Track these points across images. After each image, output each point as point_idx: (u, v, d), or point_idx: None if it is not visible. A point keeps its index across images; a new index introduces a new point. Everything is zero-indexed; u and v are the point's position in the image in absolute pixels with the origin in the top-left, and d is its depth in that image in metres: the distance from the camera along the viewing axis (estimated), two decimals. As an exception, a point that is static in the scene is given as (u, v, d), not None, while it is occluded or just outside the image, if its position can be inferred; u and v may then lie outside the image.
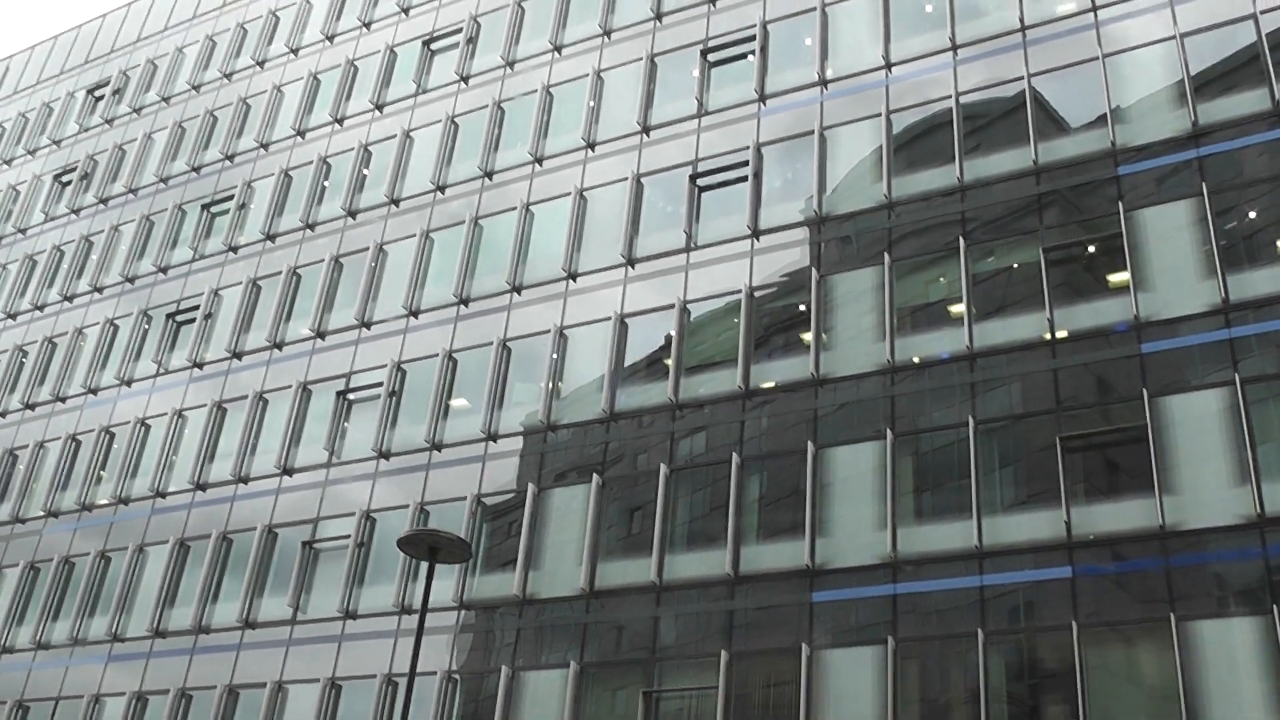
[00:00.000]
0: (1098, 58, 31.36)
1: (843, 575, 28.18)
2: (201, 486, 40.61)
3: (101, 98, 59.09)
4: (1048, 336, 28.40)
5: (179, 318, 46.19)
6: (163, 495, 41.49)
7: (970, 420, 28.10)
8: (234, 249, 46.20)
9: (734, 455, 30.64)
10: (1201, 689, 23.62)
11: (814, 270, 32.16)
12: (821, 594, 28.21)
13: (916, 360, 29.76)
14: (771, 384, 31.44)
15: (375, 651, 33.52)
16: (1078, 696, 24.42)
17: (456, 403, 36.53)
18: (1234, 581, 24.37)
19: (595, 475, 32.48)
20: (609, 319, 34.98)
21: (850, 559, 28.25)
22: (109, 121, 56.99)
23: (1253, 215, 27.60)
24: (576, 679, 30.06)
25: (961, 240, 30.44)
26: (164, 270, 48.08)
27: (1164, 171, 29.10)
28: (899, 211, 32.03)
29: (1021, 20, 32.99)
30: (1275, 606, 23.60)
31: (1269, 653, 23.39)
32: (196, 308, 45.78)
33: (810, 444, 29.79)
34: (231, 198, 48.17)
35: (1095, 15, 32.04)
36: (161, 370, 45.02)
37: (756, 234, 33.94)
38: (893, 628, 26.98)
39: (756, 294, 33.00)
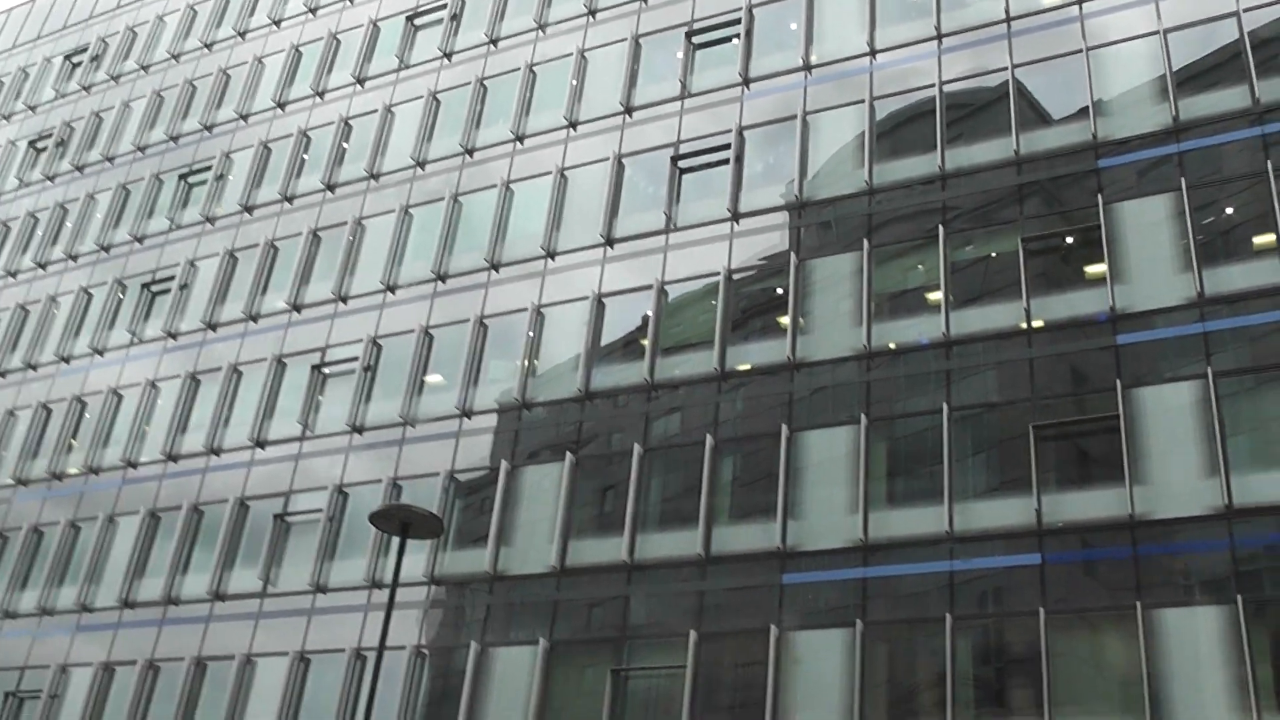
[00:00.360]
0: (1081, 50, 31.65)
1: (813, 558, 28.45)
2: (173, 457, 40.65)
3: (79, 64, 58.90)
4: (1024, 326, 28.72)
5: (154, 288, 46.15)
6: (134, 465, 41.51)
7: (945, 407, 28.38)
8: (211, 220, 46.17)
9: (708, 437, 30.87)
10: (1165, 676, 23.99)
11: (793, 254, 32.38)
12: (792, 576, 28.48)
13: (893, 346, 30.03)
14: (747, 366, 31.66)
15: (345, 625, 33.67)
16: (1043, 681, 24.75)
17: (431, 379, 36.66)
18: (1200, 571, 24.75)
19: (569, 454, 32.67)
20: (587, 298, 35.16)
21: (821, 542, 28.52)
22: (86, 88, 56.83)
23: (1230, 211, 27.96)
24: (546, 656, 30.28)
25: (941, 228, 30.71)
26: (140, 239, 48.03)
27: (1144, 165, 29.41)
28: (879, 198, 32.28)
29: (1006, 11, 33.25)
30: (1240, 597, 23.97)
31: (1232, 642, 23.77)
32: (172, 278, 45.75)
33: (785, 427, 30.03)
34: (209, 168, 48.11)
35: (1080, 8, 32.31)
36: (135, 340, 45.00)
37: (736, 217, 34.14)
38: (862, 611, 27.27)
39: (735, 277, 33.21)
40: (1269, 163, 27.86)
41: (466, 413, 35.21)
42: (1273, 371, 25.95)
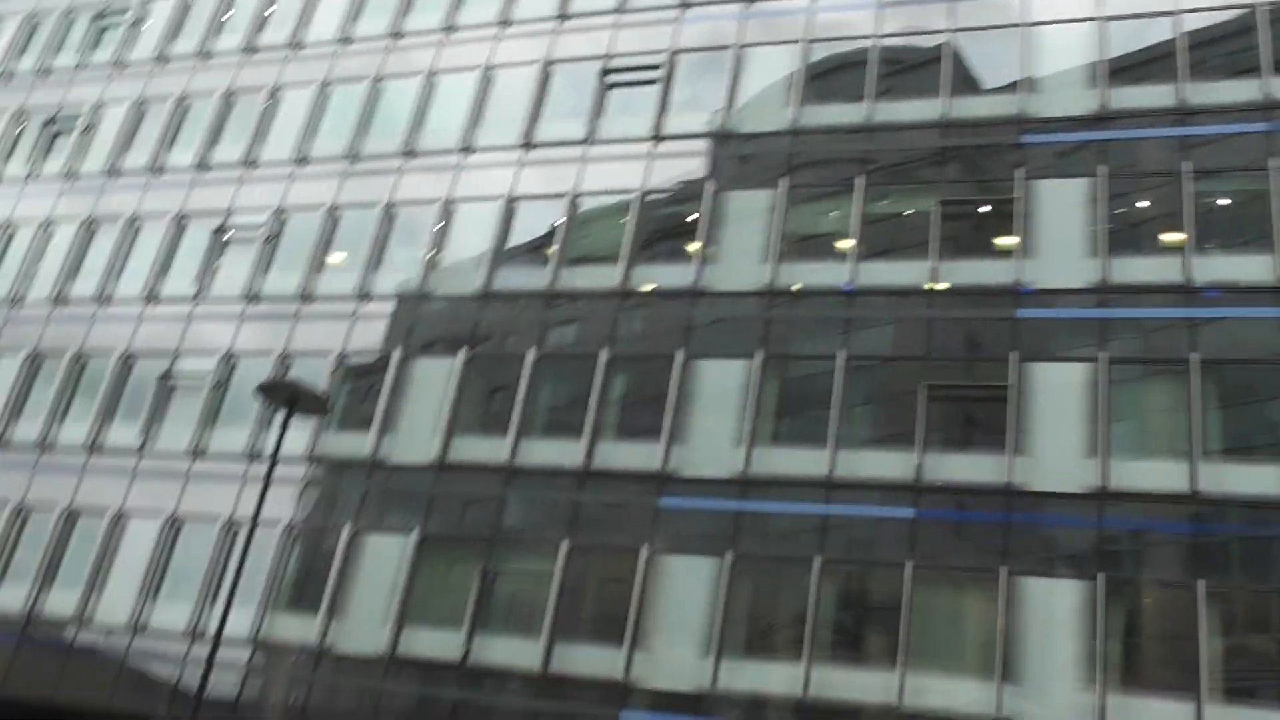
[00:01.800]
0: (1019, 25, 31.45)
1: (692, 485, 28.32)
2: (62, 300, 39.14)
3: (0, -116, 55.85)
4: (928, 286, 28.67)
5: (56, 126, 44.19)
6: (19, 303, 39.92)
7: (840, 354, 28.30)
8: (122, 64, 44.25)
9: (602, 351, 30.48)
10: (1021, 641, 24.39)
11: (710, 183, 31.93)
12: (669, 499, 28.34)
13: (796, 288, 29.81)
14: (650, 287, 31.26)
15: (219, 494, 32.87)
16: (901, 632, 24.98)
17: (333, 257, 35.68)
18: (1066, 545, 25.13)
19: (462, 349, 32.06)
20: (498, 199, 34.38)
21: (702, 470, 28.38)
22: (5, -90, 53.97)
23: (1142, 205, 28.13)
24: (416, 547, 29.88)
25: (860, 179, 30.47)
26: (45, 73, 45.91)
27: (1066, 147, 29.42)
28: (803, 140, 31.91)
29: (950, -26, 32.92)
30: (1101, 574, 24.38)
31: (1087, 615, 24.21)
32: (77, 117, 43.83)
33: (680, 352, 29.74)
34: (126, 11, 46.03)
35: (1025, -18, 32.12)
36: (33, 175, 43.12)
37: (658, 138, 33.55)
38: (733, 542, 27.23)
39: (648, 198, 32.68)
40: (1185, 164, 28.05)
41: (364, 295, 34.35)
42: (1161, 365, 26.30)
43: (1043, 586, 24.88)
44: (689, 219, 31.86)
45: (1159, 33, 30.08)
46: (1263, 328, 26.32)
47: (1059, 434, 26.21)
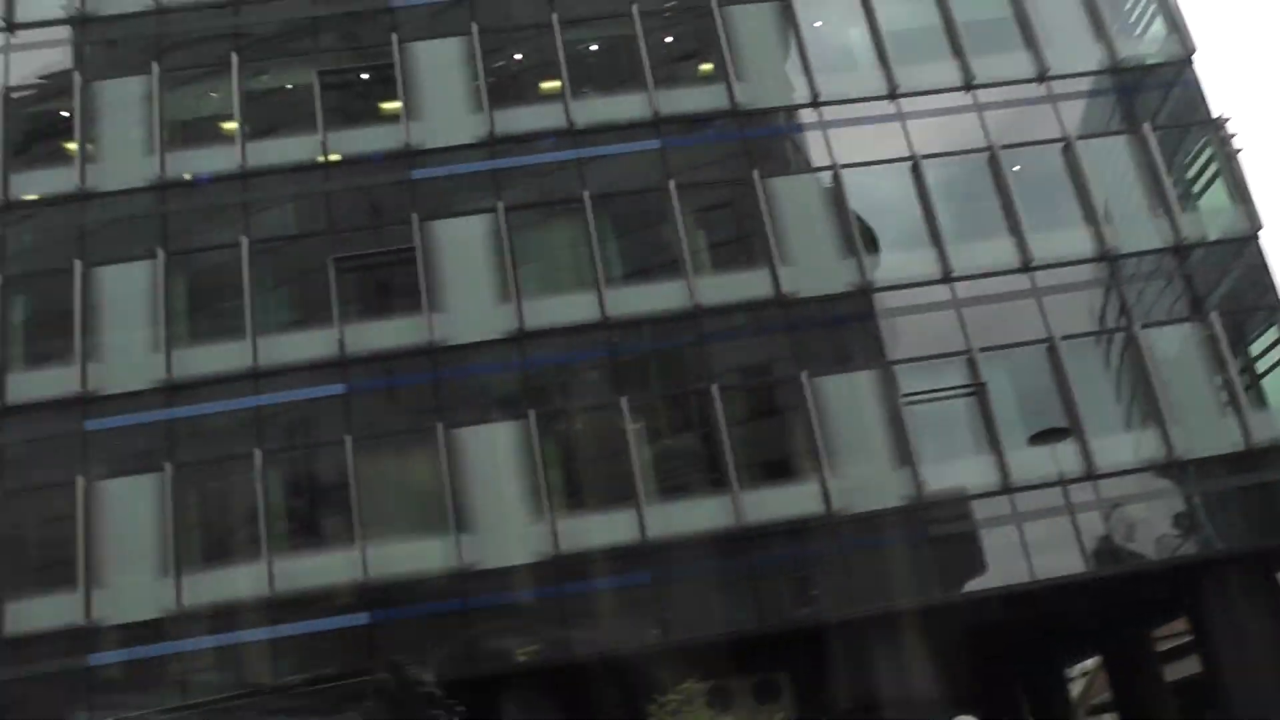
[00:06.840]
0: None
1: (117, 401, 26.12)
2: None
3: None
4: (321, 159, 27.48)
5: None
6: None
7: (244, 240, 26.72)
8: None
9: (-6, 274, 27.19)
10: (468, 490, 24.57)
11: (76, 74, 28.84)
12: (95, 422, 26.05)
13: (188, 177, 27.77)
14: (35, 196, 28.12)
15: None
16: (351, 506, 24.41)
17: None
18: (496, 390, 25.40)
19: None
20: None
21: (125, 384, 26.20)
22: None
23: (518, 57, 28.12)
24: None
25: (234, 55, 28.45)
26: None
27: (438, 7, 28.84)
28: (170, 19, 29.38)
29: None
30: (531, 411, 24.78)
31: (525, 451, 24.64)
32: None
33: (78, 262, 27.06)
34: None
35: None
36: None
37: (11, 27, 29.79)
38: (170, 453, 25.48)
39: (13, 96, 29.06)
40: (554, 14, 28.24)
41: None
42: (557, 206, 26.71)
43: (480, 434, 25.09)
44: (63, 115, 28.75)
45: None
46: (641, 160, 27.19)
47: (471, 286, 26.24)
